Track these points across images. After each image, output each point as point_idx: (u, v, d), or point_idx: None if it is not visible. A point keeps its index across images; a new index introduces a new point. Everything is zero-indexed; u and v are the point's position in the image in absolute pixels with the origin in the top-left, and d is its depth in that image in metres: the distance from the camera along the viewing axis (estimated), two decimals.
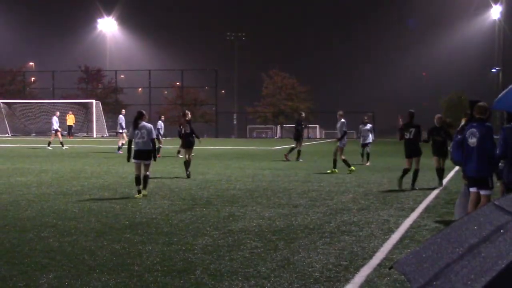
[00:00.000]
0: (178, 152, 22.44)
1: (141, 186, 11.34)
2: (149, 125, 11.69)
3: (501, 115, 29.98)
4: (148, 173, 11.56)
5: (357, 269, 5.88)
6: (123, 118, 26.21)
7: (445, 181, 14.03)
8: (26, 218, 8.72)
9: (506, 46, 62.05)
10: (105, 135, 52.40)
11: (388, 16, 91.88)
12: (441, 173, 13.41)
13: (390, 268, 2.29)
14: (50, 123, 29.22)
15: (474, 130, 7.65)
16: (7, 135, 52.39)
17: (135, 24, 79.33)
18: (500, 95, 7.11)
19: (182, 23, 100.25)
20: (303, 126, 22.78)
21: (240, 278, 5.51)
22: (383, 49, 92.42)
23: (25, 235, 7.49)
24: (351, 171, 16.65)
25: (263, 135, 66.52)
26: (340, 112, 17.52)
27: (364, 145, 20.90)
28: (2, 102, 54.97)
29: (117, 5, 74.07)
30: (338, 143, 16.99)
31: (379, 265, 6.08)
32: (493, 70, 65.28)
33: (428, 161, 15.75)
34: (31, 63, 74.99)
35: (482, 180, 7.66)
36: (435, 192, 12.39)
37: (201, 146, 23.49)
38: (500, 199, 2.29)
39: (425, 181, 14.05)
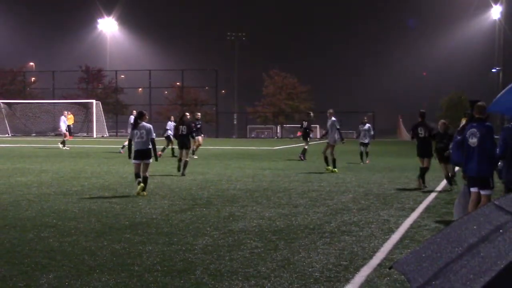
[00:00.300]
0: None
1: (140, 179, 11.47)
2: (148, 125, 11.78)
3: (502, 115, 29.93)
4: (147, 174, 11.61)
5: (357, 269, 5.88)
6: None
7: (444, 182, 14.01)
8: (26, 218, 8.72)
9: (506, 46, 62.04)
10: (105, 135, 52.42)
11: (388, 16, 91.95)
12: (449, 179, 13.10)
13: (390, 268, 2.29)
14: (58, 123, 29.51)
15: (474, 130, 7.65)
16: (7, 135, 52.39)
17: (135, 24, 79.47)
18: (495, 98, 7.13)
19: (182, 23, 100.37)
20: (310, 126, 23.17)
21: (240, 278, 5.51)
22: (383, 49, 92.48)
23: (25, 235, 7.49)
24: (330, 170, 16.52)
25: (262, 136, 66.57)
26: (330, 111, 17.63)
27: (363, 144, 21.10)
28: (2, 102, 54.98)
29: (117, 5, 74.18)
30: (329, 141, 17.01)
31: (379, 265, 6.09)
32: (493, 70, 65.27)
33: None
34: (31, 63, 74.98)
35: (483, 180, 7.66)
36: (435, 192, 12.39)
37: (202, 146, 23.51)
38: (500, 199, 2.29)
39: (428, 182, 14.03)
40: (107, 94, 61.16)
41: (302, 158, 21.66)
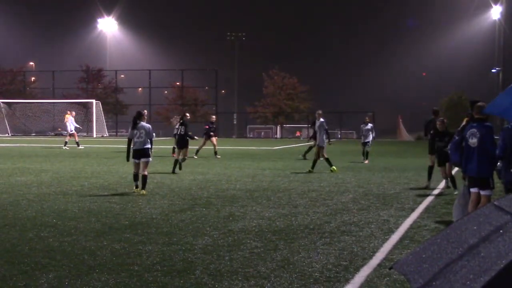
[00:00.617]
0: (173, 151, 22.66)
1: (139, 182, 11.72)
2: (148, 125, 11.99)
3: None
4: (146, 172, 11.78)
5: (357, 269, 5.89)
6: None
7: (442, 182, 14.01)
8: (26, 218, 8.72)
9: (506, 46, 62.02)
10: (105, 135, 52.43)
11: (388, 16, 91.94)
12: (453, 179, 13.08)
13: (390, 268, 2.29)
14: (65, 123, 29.60)
15: (474, 130, 7.65)
16: (7, 135, 52.40)
17: (135, 24, 79.47)
18: (493, 100, 7.11)
19: (182, 23, 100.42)
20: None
21: (240, 278, 5.51)
22: (383, 49, 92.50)
23: (25, 234, 7.49)
24: (310, 171, 16.51)
25: (261, 136, 66.59)
26: (319, 112, 17.71)
27: (365, 143, 21.28)
28: (2, 102, 54.97)
29: (117, 5, 74.16)
30: (318, 143, 17.00)
31: (379, 265, 6.09)
32: (493, 70, 65.26)
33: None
34: (31, 63, 75.01)
35: (483, 180, 7.66)
36: (435, 192, 12.39)
37: (204, 146, 23.50)
38: (499, 199, 2.29)
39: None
40: (107, 94, 61.16)
41: (324, 156, 21.82)
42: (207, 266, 5.93)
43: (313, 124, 23.09)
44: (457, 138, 8.21)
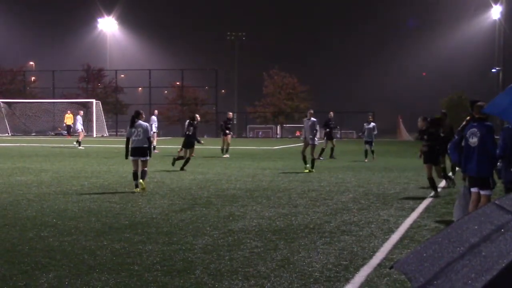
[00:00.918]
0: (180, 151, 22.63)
1: (139, 180, 11.82)
2: (145, 124, 12.25)
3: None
4: (146, 168, 12.03)
5: (357, 269, 5.88)
6: (155, 119, 26.25)
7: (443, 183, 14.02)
8: (26, 218, 8.72)
9: (506, 46, 62.04)
10: (105, 135, 52.42)
11: (388, 16, 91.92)
12: (433, 182, 12.93)
13: (390, 268, 2.29)
14: (75, 123, 29.89)
15: (475, 129, 7.65)
16: (7, 134, 52.39)
17: (135, 24, 79.42)
18: (492, 100, 7.11)
19: (182, 23, 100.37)
20: (331, 125, 23.77)
21: (240, 278, 5.51)
22: (383, 49, 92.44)
23: (25, 234, 7.49)
24: (308, 170, 16.52)
25: (259, 135, 66.59)
26: (311, 111, 17.80)
27: (367, 142, 21.57)
28: (2, 102, 54.94)
29: (117, 4, 74.11)
30: (310, 141, 17.04)
31: (379, 265, 6.08)
32: (493, 70, 65.25)
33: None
34: (31, 63, 74.94)
35: (483, 180, 7.66)
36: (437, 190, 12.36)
37: (202, 146, 23.49)
38: (500, 198, 2.29)
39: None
40: (107, 93, 61.13)
41: (333, 157, 22.37)
42: (207, 266, 5.93)
43: (325, 125, 23.42)
44: (457, 137, 8.21)
